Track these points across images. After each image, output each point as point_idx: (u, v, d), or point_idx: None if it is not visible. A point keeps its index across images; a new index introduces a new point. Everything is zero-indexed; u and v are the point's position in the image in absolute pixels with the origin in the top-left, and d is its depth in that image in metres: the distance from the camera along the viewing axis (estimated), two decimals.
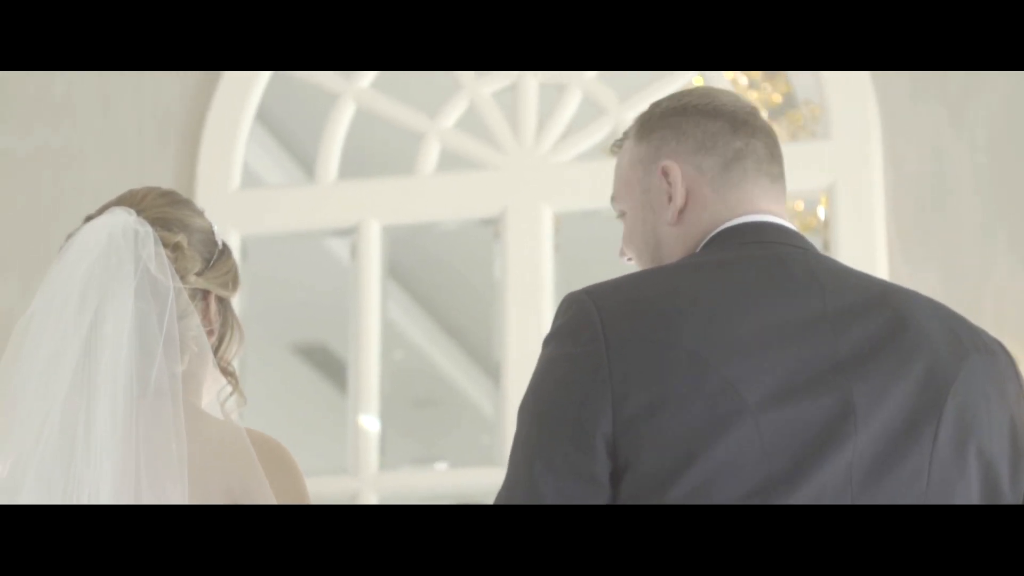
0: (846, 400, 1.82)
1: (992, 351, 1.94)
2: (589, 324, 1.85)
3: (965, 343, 1.91)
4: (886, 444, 1.82)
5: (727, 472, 1.77)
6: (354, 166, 5.12)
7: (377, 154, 5.51)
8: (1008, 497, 1.88)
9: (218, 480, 2.04)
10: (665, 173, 2.04)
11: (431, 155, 4.99)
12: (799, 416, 1.80)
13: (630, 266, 2.09)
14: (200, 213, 2.25)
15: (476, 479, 5.02)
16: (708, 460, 1.77)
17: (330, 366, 8.90)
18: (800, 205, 5.52)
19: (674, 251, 2.02)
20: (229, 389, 2.19)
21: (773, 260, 1.94)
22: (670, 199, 2.03)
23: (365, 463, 4.83)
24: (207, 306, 2.20)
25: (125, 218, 2.16)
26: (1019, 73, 4.54)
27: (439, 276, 8.25)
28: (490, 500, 1.89)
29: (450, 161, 5.01)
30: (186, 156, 5.02)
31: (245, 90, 5.05)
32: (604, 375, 1.81)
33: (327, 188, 5.02)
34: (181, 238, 2.17)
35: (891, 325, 1.88)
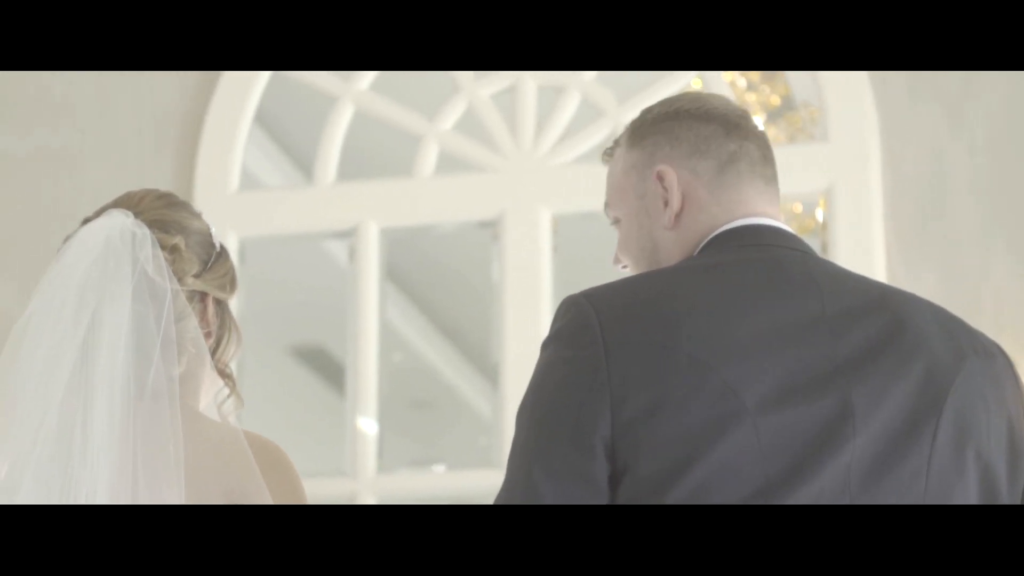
0: (845, 402, 1.82)
1: (990, 353, 1.94)
2: (588, 327, 1.84)
3: (963, 346, 1.91)
4: (885, 446, 1.82)
5: (726, 474, 1.77)
6: (352, 168, 5.12)
7: (375, 156, 5.51)
8: (1006, 498, 1.88)
9: (215, 482, 2.04)
10: (660, 178, 2.04)
11: (429, 157, 4.99)
12: (798, 418, 1.80)
13: (626, 273, 2.09)
14: (198, 215, 2.24)
15: (474, 481, 5.02)
16: (707, 462, 1.77)
17: (328, 368, 8.90)
18: (798, 207, 5.53)
19: (671, 255, 2.02)
20: (227, 391, 2.19)
21: (771, 263, 1.94)
22: (666, 204, 2.03)
23: (363, 465, 4.82)
24: (205, 308, 2.19)
25: (123, 220, 2.16)
26: (1017, 73, 4.54)
27: (437, 278, 8.26)
28: (488, 502, 1.89)
29: (448, 163, 5.01)
30: (184, 158, 5.02)
31: (244, 92, 5.05)
32: (603, 378, 1.81)
33: (325, 190, 5.02)
34: (179, 240, 2.17)
35: (890, 328, 1.88)
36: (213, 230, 2.24)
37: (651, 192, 2.04)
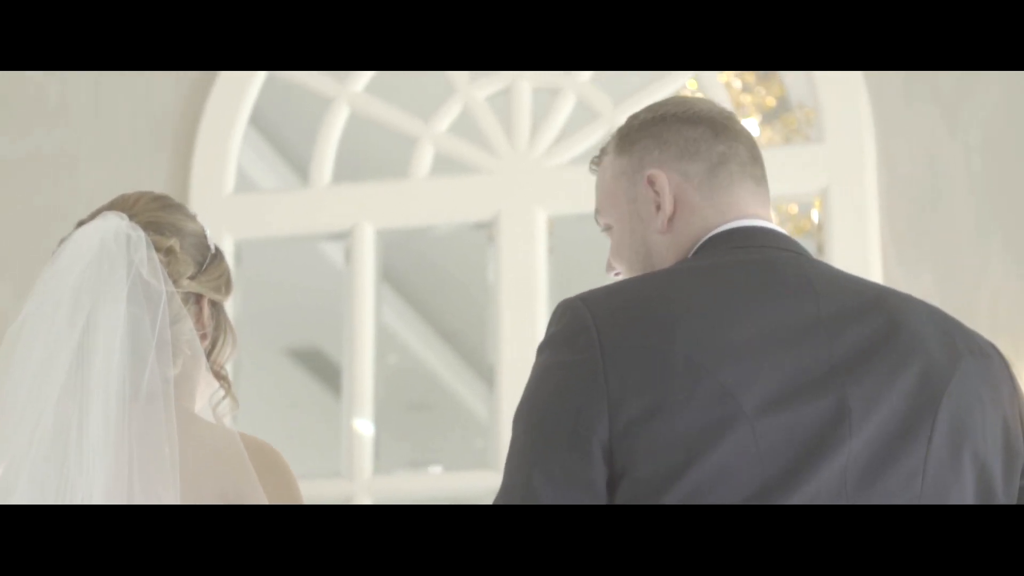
0: (841, 404, 1.82)
1: (986, 354, 1.94)
2: (584, 331, 1.84)
3: (959, 346, 1.91)
4: (881, 447, 1.82)
5: (723, 477, 1.77)
6: (348, 170, 5.12)
7: (371, 158, 5.51)
8: (1002, 499, 1.88)
9: (211, 484, 2.04)
10: (651, 182, 2.03)
11: (425, 159, 4.99)
12: (794, 420, 1.80)
13: (620, 279, 2.08)
14: (192, 217, 2.24)
15: (470, 483, 5.02)
16: (704, 465, 1.77)
17: (324, 370, 8.90)
18: (794, 208, 5.53)
19: (665, 259, 2.02)
20: (222, 393, 2.19)
21: (766, 265, 1.93)
22: (658, 208, 2.03)
23: (359, 467, 4.82)
24: (200, 310, 2.19)
25: (117, 223, 2.16)
26: (1013, 74, 4.54)
27: (433, 280, 8.26)
28: (485, 504, 1.88)
29: (444, 165, 5.01)
30: (180, 160, 5.02)
31: (239, 94, 5.04)
32: (600, 382, 1.81)
33: (321, 192, 5.02)
34: (174, 242, 2.17)
35: (885, 329, 1.88)
36: (208, 232, 2.24)
37: (642, 197, 2.04)
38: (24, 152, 5.10)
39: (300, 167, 6.33)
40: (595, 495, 1.80)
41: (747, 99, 5.60)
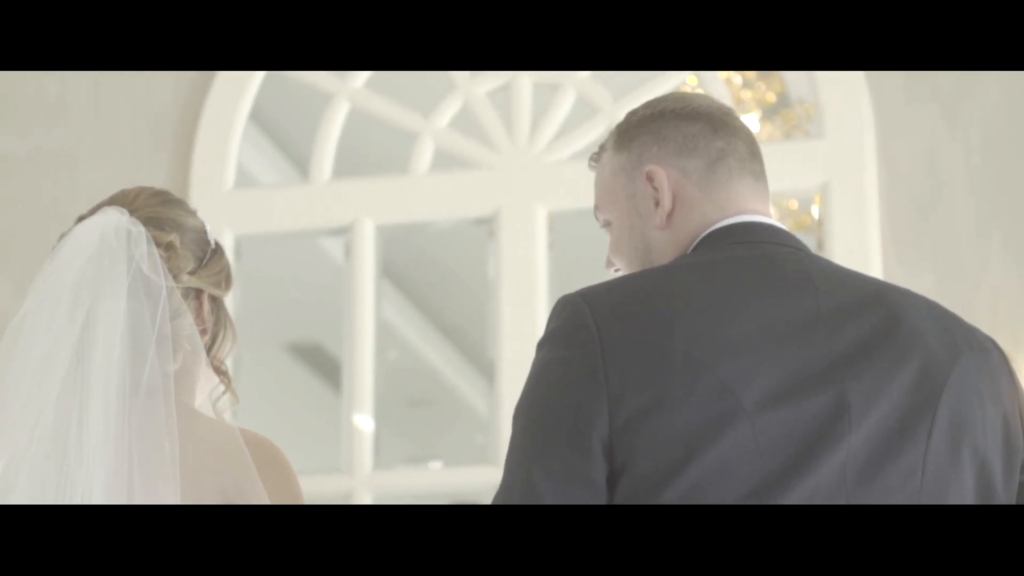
0: (840, 399, 1.82)
1: (985, 349, 1.94)
2: (584, 327, 1.84)
3: (959, 341, 1.91)
4: (880, 443, 1.82)
5: (722, 473, 1.77)
6: (348, 165, 5.12)
7: (371, 153, 5.51)
8: (1001, 495, 1.88)
9: (211, 480, 2.04)
10: (650, 178, 2.04)
11: (425, 154, 4.99)
12: (794, 416, 1.80)
13: (619, 275, 2.08)
14: (192, 212, 2.24)
15: (470, 478, 5.02)
16: (704, 461, 1.77)
17: (324, 365, 8.90)
18: (794, 204, 5.53)
19: (664, 255, 2.02)
20: (222, 388, 2.19)
21: (765, 260, 1.93)
22: (657, 204, 2.03)
23: (359, 462, 4.82)
24: (200, 305, 2.19)
25: (117, 218, 2.16)
26: (1013, 73, 4.54)
27: (433, 275, 8.26)
28: (485, 500, 1.89)
29: (444, 160, 5.01)
30: (180, 156, 5.02)
31: (239, 90, 5.04)
32: (600, 378, 1.81)
33: (321, 187, 5.02)
34: (174, 237, 2.17)
35: (885, 324, 1.88)
36: (208, 227, 2.24)
37: (641, 193, 2.04)
38: (26, 150, 5.10)
39: (300, 163, 6.33)
40: (595, 491, 1.80)
41: (747, 95, 5.60)
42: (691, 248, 2.00)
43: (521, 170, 4.90)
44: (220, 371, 2.20)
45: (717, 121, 2.06)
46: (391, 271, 7.64)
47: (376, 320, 4.96)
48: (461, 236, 6.74)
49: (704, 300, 1.86)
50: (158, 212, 2.19)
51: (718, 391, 1.79)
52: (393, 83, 5.15)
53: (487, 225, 4.92)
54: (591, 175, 2.14)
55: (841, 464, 1.80)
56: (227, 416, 2.18)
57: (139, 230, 2.15)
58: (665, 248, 2.02)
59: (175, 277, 2.15)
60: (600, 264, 2.12)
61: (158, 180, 4.77)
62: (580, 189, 4.72)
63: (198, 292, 2.19)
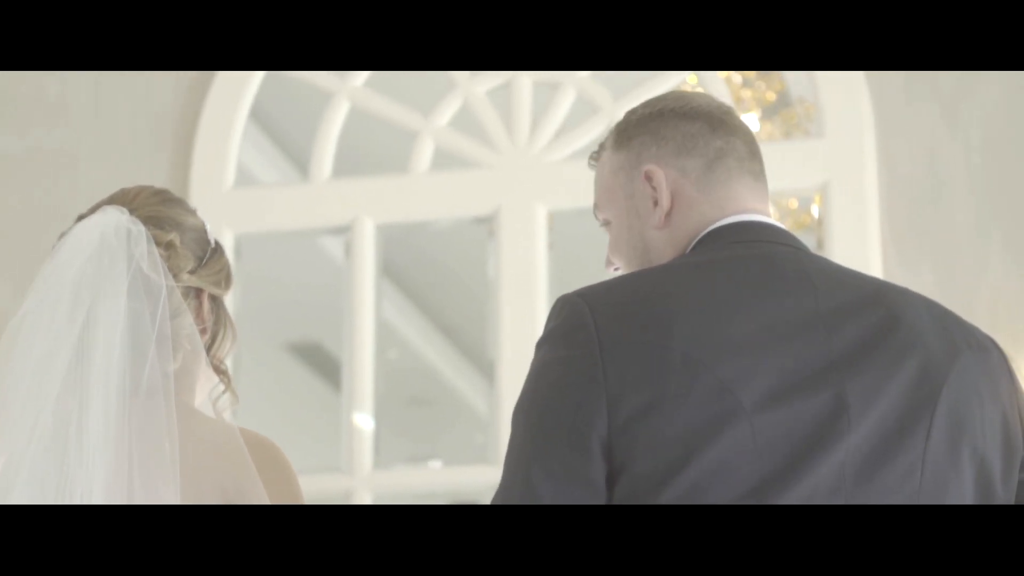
0: (839, 398, 1.82)
1: (985, 348, 1.94)
2: (583, 326, 1.84)
3: (958, 340, 1.91)
4: (879, 442, 1.82)
5: (722, 473, 1.77)
6: (348, 165, 5.12)
7: (371, 153, 5.51)
8: (1000, 494, 1.88)
9: (211, 480, 2.04)
10: (648, 177, 2.04)
11: (425, 154, 4.99)
12: (793, 415, 1.80)
13: (618, 274, 2.08)
14: (192, 211, 2.24)
15: (470, 477, 5.02)
16: (703, 461, 1.77)
17: (324, 365, 8.90)
18: (794, 203, 5.53)
19: (663, 254, 2.02)
20: (222, 387, 2.19)
21: (764, 259, 1.93)
22: (655, 203, 2.03)
23: (359, 462, 4.82)
24: (200, 304, 2.19)
25: (117, 217, 2.16)
26: (1013, 73, 4.54)
27: (433, 275, 8.26)
28: (484, 499, 1.89)
29: (444, 160, 5.01)
30: (180, 155, 5.02)
31: (239, 89, 5.04)
32: (599, 378, 1.81)
33: (321, 187, 5.02)
34: (174, 236, 2.17)
35: (884, 323, 1.88)
36: (208, 226, 2.24)
37: (640, 192, 2.04)
38: (25, 150, 5.10)
39: (300, 162, 6.33)
40: (594, 491, 1.80)
41: (747, 94, 5.60)
42: (690, 247, 2.00)
43: (521, 169, 4.90)
44: (220, 370, 2.20)
45: (716, 120, 2.06)
46: (391, 270, 7.64)
47: (376, 319, 4.96)
48: (461, 235, 6.75)
49: (703, 299, 1.86)
50: (158, 211, 2.19)
51: (717, 391, 1.79)
52: (393, 82, 5.15)
53: (487, 224, 4.92)
54: (591, 174, 2.14)
55: (840, 463, 1.80)
56: (227, 415, 2.18)
57: (139, 229, 2.15)
58: (664, 248, 2.02)
59: (175, 276, 2.14)
60: (600, 264, 2.12)
61: (158, 180, 4.76)
62: (580, 188, 4.72)
63: (198, 291, 2.19)
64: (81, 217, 2.19)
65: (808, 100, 5.11)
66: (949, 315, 1.95)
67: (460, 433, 9.73)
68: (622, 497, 1.79)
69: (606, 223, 2.10)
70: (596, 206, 2.11)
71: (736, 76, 5.55)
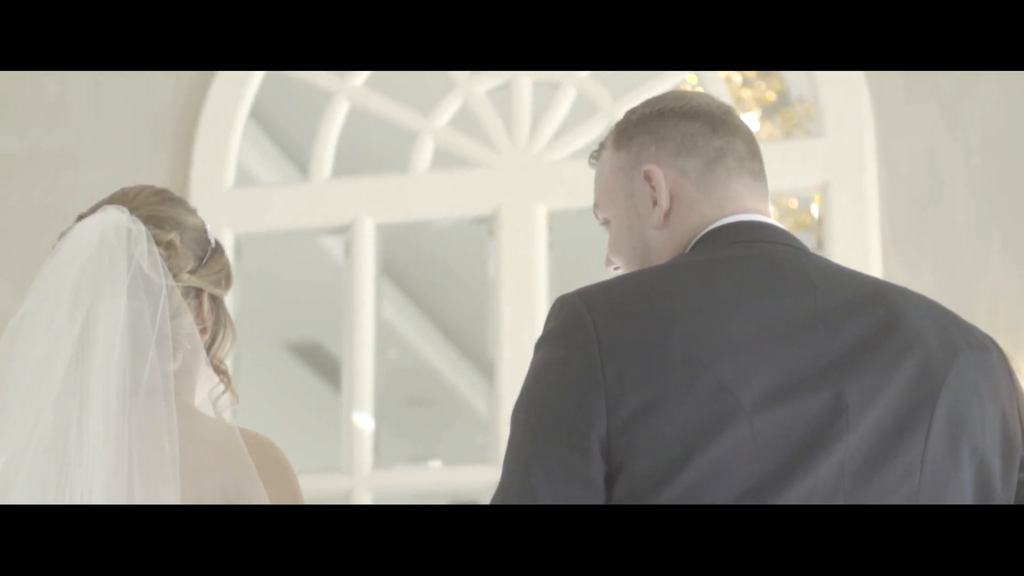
0: (838, 398, 1.82)
1: (984, 347, 1.94)
2: (582, 326, 1.84)
3: (957, 340, 1.91)
4: (878, 442, 1.82)
5: (721, 472, 1.77)
6: (348, 164, 5.12)
7: (371, 152, 5.51)
8: (1000, 494, 1.88)
9: (211, 480, 2.04)
10: (648, 177, 2.04)
11: (425, 153, 4.99)
12: (792, 415, 1.80)
13: (619, 274, 2.08)
14: (193, 211, 2.24)
15: (470, 477, 5.02)
16: (702, 461, 1.77)
17: (324, 364, 8.90)
18: (794, 203, 5.53)
19: (662, 254, 2.02)
20: (222, 387, 2.19)
21: (763, 259, 1.94)
22: (655, 203, 2.03)
23: (359, 461, 4.82)
24: (200, 304, 2.19)
25: (118, 216, 2.16)
26: (1013, 73, 4.54)
27: (433, 274, 8.26)
28: (485, 499, 1.89)
29: (444, 159, 5.01)
30: (180, 155, 5.02)
31: (239, 89, 5.04)
32: (598, 378, 1.81)
33: (321, 186, 5.02)
34: (174, 236, 2.17)
35: (884, 323, 1.88)
36: (208, 226, 2.24)
37: (639, 192, 2.04)
38: (25, 149, 5.10)
39: (300, 161, 6.33)
40: (593, 491, 1.80)
41: (747, 93, 5.60)
42: (689, 247, 2.00)
43: (521, 169, 4.90)
44: (220, 370, 2.20)
45: (716, 120, 2.06)
46: (391, 270, 7.64)
47: (376, 319, 4.96)
48: (461, 235, 6.74)
49: (702, 299, 1.86)
50: (158, 211, 2.19)
51: (716, 390, 1.79)
52: (393, 82, 5.15)
53: (487, 224, 4.92)
54: (591, 174, 2.14)
55: (839, 463, 1.80)
56: (227, 415, 2.18)
57: (139, 229, 2.14)
58: (663, 247, 2.02)
59: (175, 276, 2.14)
60: (600, 263, 2.12)
61: (158, 179, 4.75)
62: (580, 188, 4.71)
63: (198, 291, 2.19)
64: (81, 217, 2.19)
65: (808, 100, 5.11)
66: (949, 315, 1.95)
67: (460, 433, 9.73)
68: (622, 497, 1.79)
69: (606, 222, 2.10)
70: (596, 205, 2.11)
71: (736, 76, 5.55)
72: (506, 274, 4.81)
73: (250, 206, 5.00)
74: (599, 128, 4.88)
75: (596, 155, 2.13)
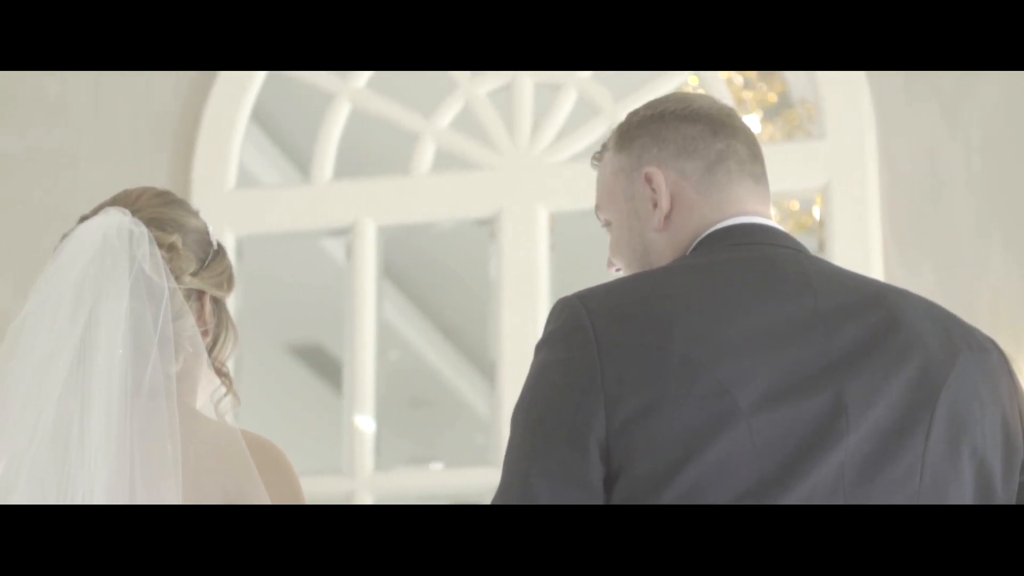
0: (838, 400, 1.82)
1: (984, 349, 1.94)
2: (581, 328, 1.84)
3: (957, 342, 1.91)
4: (878, 443, 1.82)
5: (720, 474, 1.78)
6: (349, 166, 5.12)
7: (372, 154, 5.51)
8: (1001, 495, 1.88)
9: (213, 481, 2.04)
10: (648, 180, 2.04)
11: (426, 155, 4.99)
12: (791, 416, 1.80)
13: (620, 275, 2.08)
14: (195, 213, 2.24)
15: (471, 479, 5.02)
16: (701, 462, 1.77)
17: (325, 366, 8.90)
18: (795, 205, 5.53)
19: (663, 256, 2.02)
20: (223, 389, 2.19)
21: (763, 261, 1.94)
22: (655, 205, 2.03)
23: (360, 463, 4.82)
24: (202, 306, 2.19)
25: (120, 218, 2.16)
26: (1014, 73, 4.54)
27: (434, 276, 8.26)
28: (485, 501, 1.89)
29: (445, 161, 5.01)
30: (181, 156, 5.02)
31: (240, 90, 5.04)
32: (597, 379, 1.81)
33: (322, 188, 5.02)
34: (176, 238, 2.17)
35: (884, 325, 1.88)
36: (210, 228, 2.24)
37: (640, 194, 2.05)
38: (25, 149, 5.10)
39: (301, 163, 6.33)
40: (592, 493, 1.80)
41: (749, 95, 5.60)
42: (690, 250, 2.00)
43: (522, 171, 4.90)
44: (222, 372, 2.20)
45: (717, 123, 2.06)
46: (392, 272, 7.64)
47: (377, 321, 4.96)
48: (462, 237, 6.74)
49: (702, 301, 1.86)
50: (160, 213, 2.19)
51: (715, 392, 1.79)
52: (394, 84, 5.16)
53: (488, 226, 4.92)
54: (592, 176, 2.15)
55: (839, 464, 1.80)
56: (229, 417, 2.18)
57: (141, 231, 2.14)
58: (664, 249, 2.03)
59: (177, 278, 2.14)
60: (601, 265, 2.12)
61: (159, 180, 4.76)
62: (581, 190, 4.72)
63: (200, 293, 2.19)
64: (83, 218, 2.19)
65: (809, 101, 5.11)
66: (949, 316, 1.95)
67: (461, 435, 9.73)
68: (621, 499, 1.79)
69: (607, 224, 2.10)
70: (597, 207, 2.11)
71: (738, 78, 5.55)
72: (507, 276, 4.81)
73: (251, 207, 5.00)
74: (600, 130, 4.88)
75: (598, 157, 2.13)
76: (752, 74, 5.58)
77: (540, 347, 1.89)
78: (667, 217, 2.02)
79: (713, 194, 2.02)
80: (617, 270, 2.09)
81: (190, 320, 2.14)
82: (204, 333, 2.18)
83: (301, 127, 6.06)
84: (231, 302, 2.26)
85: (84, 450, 2.01)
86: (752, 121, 5.46)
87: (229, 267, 2.24)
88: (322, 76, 5.06)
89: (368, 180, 5.03)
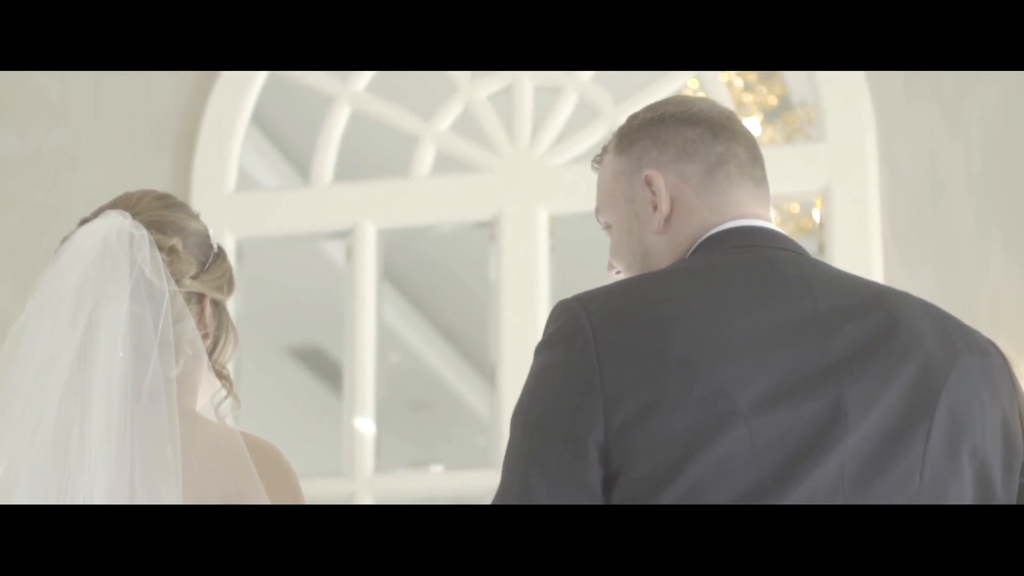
0: (837, 402, 1.82)
1: (985, 351, 1.94)
2: (580, 331, 1.85)
3: (957, 344, 1.91)
4: (878, 445, 1.82)
5: (719, 476, 1.78)
6: (349, 169, 5.12)
7: (372, 157, 5.51)
8: (1001, 497, 1.88)
9: (213, 484, 2.04)
10: (648, 183, 2.04)
11: (426, 158, 4.99)
12: (790, 418, 1.81)
13: (621, 278, 2.09)
14: (195, 216, 2.24)
15: (472, 482, 5.02)
16: (700, 464, 1.78)
17: (325, 369, 8.90)
18: (795, 207, 5.53)
19: (663, 259, 2.02)
20: (224, 392, 2.19)
21: (763, 264, 1.94)
22: (655, 208, 2.03)
23: (360, 466, 4.82)
24: (202, 309, 2.19)
25: (120, 221, 2.16)
26: (1014, 74, 4.54)
27: (434, 279, 8.26)
28: (486, 503, 1.89)
29: (445, 164, 5.01)
30: (181, 159, 5.02)
31: (240, 93, 5.04)
32: (596, 382, 1.81)
33: (322, 191, 5.02)
34: (176, 241, 2.17)
35: (883, 327, 1.88)
36: (211, 231, 2.24)
37: (640, 197, 2.05)
38: (25, 151, 5.10)
39: (301, 166, 6.33)
40: (591, 495, 1.80)
41: (749, 98, 5.60)
42: (689, 252, 2.01)
43: (522, 173, 4.90)
44: (222, 375, 2.20)
45: (717, 126, 2.06)
46: (392, 274, 7.64)
47: (377, 323, 4.96)
48: (462, 239, 6.74)
49: (702, 304, 1.87)
50: (161, 216, 2.19)
51: (714, 394, 1.79)
52: (394, 86, 5.16)
53: (488, 228, 4.92)
54: (592, 178, 2.15)
55: (839, 466, 1.80)
56: (229, 420, 2.18)
57: (142, 234, 2.15)
58: (663, 252, 2.03)
59: (177, 281, 2.15)
60: (602, 267, 2.13)
61: (159, 182, 4.76)
62: (581, 192, 4.72)
63: (200, 296, 2.19)
64: (84, 221, 2.19)
65: (809, 104, 5.11)
66: (949, 319, 1.95)
67: (461, 437, 9.73)
68: (621, 500, 1.80)
69: (608, 227, 2.10)
70: (598, 210, 2.11)
71: (738, 80, 5.55)
72: (507, 278, 4.81)
73: (251, 210, 5.00)
74: (600, 132, 4.88)
75: (598, 159, 2.13)
76: (752, 77, 5.58)
77: (539, 349, 1.89)
78: (667, 220, 2.03)
79: (713, 197, 2.03)
80: (617, 272, 2.10)
81: (190, 323, 2.14)
82: (204, 336, 2.18)
83: (301, 130, 6.07)
84: (231, 305, 2.26)
85: (84, 453, 2.01)
86: (752, 124, 5.46)
87: (229, 270, 2.24)
88: (322, 79, 5.06)
89: (368, 183, 5.03)
